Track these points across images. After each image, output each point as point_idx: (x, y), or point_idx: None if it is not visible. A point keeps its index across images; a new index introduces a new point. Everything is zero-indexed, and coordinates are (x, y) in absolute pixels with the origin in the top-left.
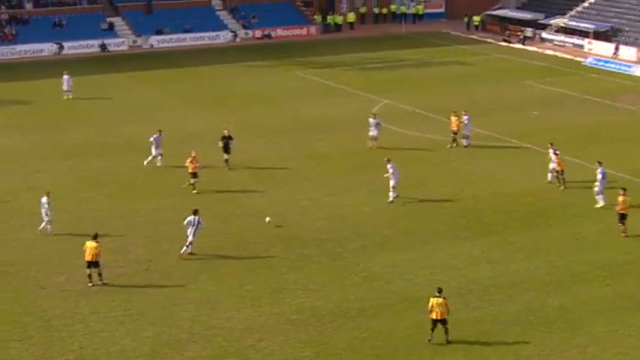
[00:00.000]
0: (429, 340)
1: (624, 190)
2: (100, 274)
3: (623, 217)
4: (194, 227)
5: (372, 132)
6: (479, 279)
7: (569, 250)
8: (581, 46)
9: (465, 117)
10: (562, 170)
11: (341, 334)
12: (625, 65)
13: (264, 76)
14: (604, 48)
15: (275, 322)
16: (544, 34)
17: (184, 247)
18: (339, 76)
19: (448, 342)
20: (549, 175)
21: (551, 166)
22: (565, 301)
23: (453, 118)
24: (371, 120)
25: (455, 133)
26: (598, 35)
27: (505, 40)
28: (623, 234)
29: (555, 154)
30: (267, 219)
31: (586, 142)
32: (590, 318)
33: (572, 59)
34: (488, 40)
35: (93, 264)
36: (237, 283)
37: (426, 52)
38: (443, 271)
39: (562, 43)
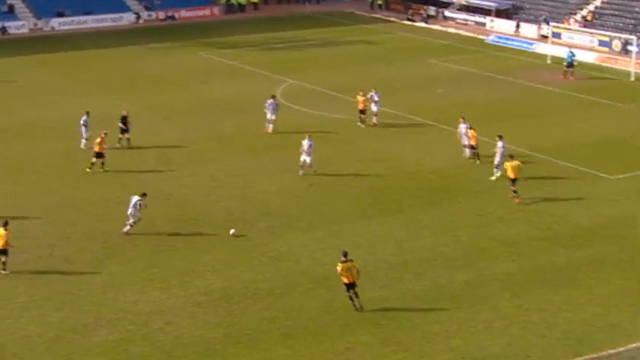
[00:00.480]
0: (356, 310)
1: (512, 157)
2: (4, 263)
3: (514, 182)
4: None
5: (269, 115)
6: (386, 257)
7: (475, 227)
8: (484, 24)
9: (375, 95)
10: (476, 144)
11: (250, 314)
12: (526, 42)
13: (169, 57)
14: (506, 25)
15: (183, 305)
16: (447, 13)
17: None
18: (244, 57)
19: (360, 308)
20: (467, 152)
21: (464, 141)
22: (471, 277)
23: (360, 98)
24: (269, 102)
25: (362, 113)
26: (500, 13)
27: (409, 19)
28: (515, 200)
29: (471, 128)
30: (232, 231)
31: (489, 118)
32: (496, 293)
33: (475, 37)
34: (392, 19)
35: (2, 252)
36: (143, 266)
37: (331, 32)
38: (350, 250)
39: (465, 21)
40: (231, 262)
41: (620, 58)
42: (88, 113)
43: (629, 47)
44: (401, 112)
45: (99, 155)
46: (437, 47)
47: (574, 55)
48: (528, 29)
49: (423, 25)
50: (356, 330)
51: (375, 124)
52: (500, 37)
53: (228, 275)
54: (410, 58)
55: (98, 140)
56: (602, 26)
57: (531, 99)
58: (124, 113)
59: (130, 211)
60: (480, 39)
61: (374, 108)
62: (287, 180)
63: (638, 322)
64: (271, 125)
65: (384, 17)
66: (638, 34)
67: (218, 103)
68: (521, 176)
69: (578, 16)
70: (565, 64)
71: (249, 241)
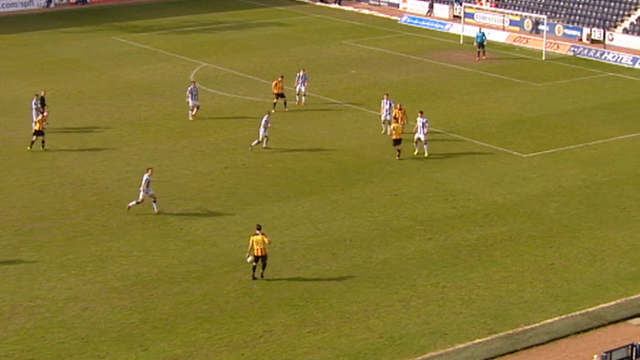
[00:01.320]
0: (254, 277)
1: (396, 119)
2: None
3: (397, 143)
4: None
5: (191, 102)
6: (302, 238)
7: (391, 206)
8: (397, 5)
9: (303, 75)
10: (403, 123)
11: (167, 299)
12: (439, 23)
13: (82, 42)
14: (418, 6)
15: (99, 290)
16: None
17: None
18: (157, 40)
19: (261, 276)
20: (388, 129)
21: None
22: (388, 257)
23: (276, 82)
24: (190, 88)
25: (282, 96)
26: None
27: (322, 1)
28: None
29: (400, 109)
30: (249, 259)
31: (404, 99)
32: (413, 272)
33: (388, 18)
34: (306, 0)
35: None
36: (58, 252)
37: (244, 14)
38: (267, 232)
39: (377, 2)
40: (147, 247)
41: (532, 37)
42: (37, 96)
43: (540, 26)
44: (316, 93)
45: (38, 133)
46: (350, 28)
47: (484, 35)
48: (441, 10)
49: (336, 6)
50: (274, 312)
51: (302, 104)
52: (413, 18)
53: (144, 260)
54: (324, 39)
55: (39, 118)
56: (513, 6)
57: (445, 79)
58: (42, 94)
59: (141, 188)
60: (394, 20)
61: (302, 88)
62: (202, 163)
63: (551, 298)
64: (192, 111)
65: None
66: (548, 13)
67: (132, 87)
68: (434, 153)
69: None
70: (475, 44)
71: (165, 226)
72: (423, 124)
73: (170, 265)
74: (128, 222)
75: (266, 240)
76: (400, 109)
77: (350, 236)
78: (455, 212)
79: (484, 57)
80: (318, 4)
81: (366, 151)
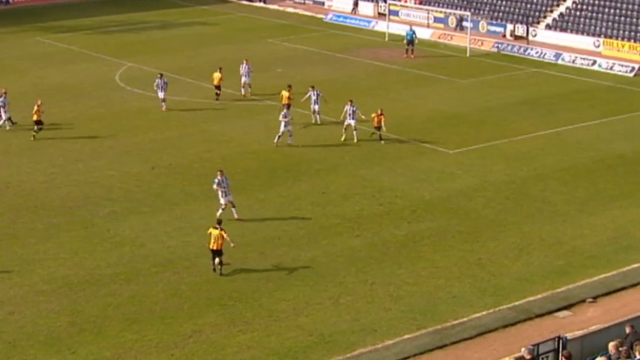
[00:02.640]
0: (214, 270)
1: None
2: None
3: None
4: (224, 188)
5: (161, 94)
6: (230, 237)
7: (318, 204)
8: (322, 3)
9: (246, 66)
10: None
11: (94, 301)
12: (364, 20)
13: (4, 42)
14: (344, 4)
15: (26, 294)
16: None
17: (220, 210)
18: (81, 41)
19: (215, 270)
20: (316, 118)
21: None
22: (317, 254)
23: (216, 75)
24: (157, 81)
25: (218, 88)
26: None
27: None
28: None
29: (381, 114)
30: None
31: (331, 96)
32: (341, 269)
33: (314, 16)
34: None
35: None
36: None
37: (169, 14)
38: (195, 232)
39: (303, 1)
40: (74, 249)
41: (456, 34)
42: (5, 93)
43: (464, 23)
44: (240, 92)
45: (38, 123)
46: (276, 27)
47: (414, 33)
48: (366, 7)
49: (261, 5)
50: (203, 312)
51: (245, 96)
52: (338, 16)
53: (71, 262)
54: (249, 38)
55: (35, 109)
56: (437, 3)
57: (371, 76)
58: None
59: (220, 192)
60: (319, 18)
61: (246, 79)
62: (129, 164)
63: (479, 293)
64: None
65: None
66: (472, 10)
67: (57, 88)
68: (361, 152)
69: None
70: (405, 41)
71: (92, 227)
72: (353, 111)
73: (98, 267)
74: (54, 224)
75: (224, 236)
76: (381, 114)
77: (278, 235)
78: (382, 209)
79: (412, 55)
80: (244, 2)
81: (294, 150)
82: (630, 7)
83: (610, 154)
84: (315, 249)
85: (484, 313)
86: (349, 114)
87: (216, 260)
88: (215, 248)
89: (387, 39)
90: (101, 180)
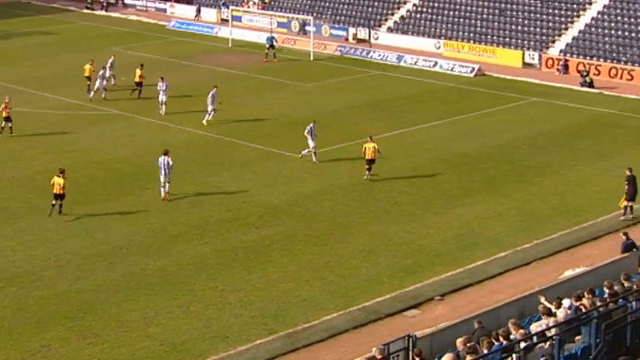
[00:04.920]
0: (51, 209)
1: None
2: None
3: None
4: (164, 168)
5: (162, 97)
6: (78, 249)
7: (166, 213)
8: (164, 10)
9: (163, 84)
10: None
11: None
12: (208, 27)
13: None
14: (186, 11)
15: None
16: (127, 0)
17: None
18: None
19: (60, 213)
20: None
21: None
22: (166, 263)
23: (87, 66)
24: (159, 84)
25: (89, 79)
26: None
27: (88, 8)
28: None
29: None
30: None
31: (174, 104)
32: (191, 277)
33: (157, 23)
34: (71, 8)
35: None
36: None
37: (9, 24)
38: (41, 245)
39: (145, 8)
40: None
41: (299, 38)
42: None
43: (307, 27)
44: (84, 101)
45: (7, 119)
46: (119, 35)
47: (274, 38)
48: (208, 14)
49: (102, 13)
50: (51, 326)
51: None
52: (181, 23)
53: None
54: (93, 47)
55: (3, 105)
56: (280, 8)
57: (216, 83)
58: None
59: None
60: (162, 25)
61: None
62: None
63: (329, 295)
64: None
65: (62, 7)
66: (315, 14)
67: None
68: (206, 158)
69: None
70: (267, 46)
71: None
72: (167, 86)
73: None
74: None
75: (62, 182)
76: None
77: (126, 244)
78: (230, 215)
79: (275, 59)
80: (85, 11)
81: (140, 159)
82: (469, 8)
83: (454, 153)
84: (164, 257)
85: (334, 315)
86: (162, 90)
87: (58, 202)
88: (58, 192)
89: (230, 45)
90: None
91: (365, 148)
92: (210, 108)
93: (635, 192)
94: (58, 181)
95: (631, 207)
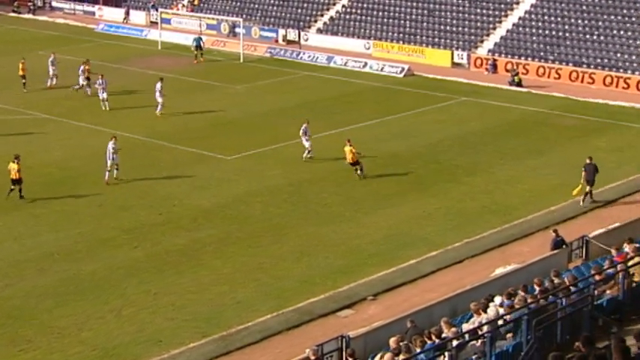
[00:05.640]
0: (9, 193)
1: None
2: None
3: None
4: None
5: (159, 99)
6: (6, 256)
7: (96, 217)
8: (93, 13)
9: (102, 81)
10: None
11: None
12: (137, 30)
13: None
14: (114, 13)
15: None
16: (54, 3)
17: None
18: None
19: (20, 197)
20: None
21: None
22: (97, 268)
23: (20, 65)
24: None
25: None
26: (108, 1)
27: (14, 11)
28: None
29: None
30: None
31: (98, 108)
32: (123, 281)
33: (85, 27)
34: None
35: None
36: None
37: None
38: None
39: (72, 11)
40: None
41: (229, 40)
42: None
43: (237, 29)
44: (14, 106)
45: None
46: (47, 38)
47: (201, 39)
48: (137, 16)
49: (30, 16)
50: None
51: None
52: (110, 26)
53: None
54: (19, 51)
55: None
56: (209, 10)
57: (145, 85)
58: None
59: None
60: (90, 28)
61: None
62: None
63: (263, 297)
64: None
65: None
66: (244, 16)
67: None
68: (133, 163)
69: (185, 1)
70: (193, 47)
71: None
72: (105, 82)
73: None
74: None
75: (16, 167)
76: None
77: (57, 250)
78: (162, 219)
79: (201, 59)
80: (11, 15)
81: (70, 163)
82: (398, 9)
83: (384, 153)
84: (95, 262)
85: (268, 316)
86: (102, 87)
87: (17, 186)
88: (14, 177)
89: (160, 47)
90: None
91: (345, 152)
92: (160, 100)
93: (593, 178)
94: (12, 166)
95: (591, 192)
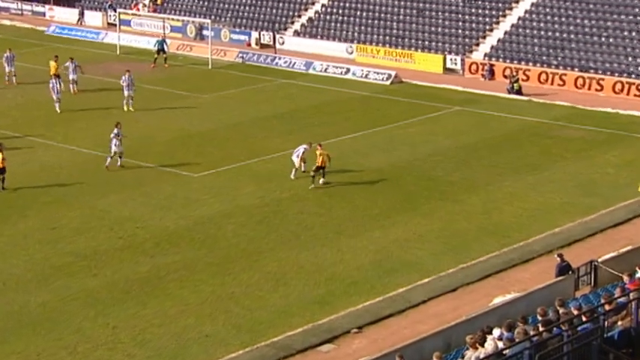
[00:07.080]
0: None
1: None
2: None
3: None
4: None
5: (126, 92)
6: None
7: (49, 242)
8: (43, 14)
9: (71, 64)
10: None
11: None
12: (93, 32)
13: None
14: (67, 14)
15: None
16: (1, 3)
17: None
18: None
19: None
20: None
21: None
22: (49, 299)
23: (52, 63)
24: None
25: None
26: (59, 1)
27: None
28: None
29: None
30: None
31: (54, 123)
32: (78, 313)
33: (34, 29)
34: None
35: None
36: None
37: None
38: None
39: (20, 12)
40: None
41: (196, 44)
42: None
43: (205, 32)
44: None
45: None
46: None
47: (164, 41)
48: (93, 18)
49: None
50: None
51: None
52: (62, 28)
53: None
54: None
55: None
56: (173, 10)
57: (101, 95)
58: None
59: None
60: (40, 30)
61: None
62: None
63: (234, 330)
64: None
65: None
66: (212, 17)
67: None
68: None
69: (146, 0)
70: (155, 50)
71: None
72: (75, 66)
73: None
74: None
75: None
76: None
77: (4, 279)
78: (122, 243)
79: (166, 65)
80: None
81: (18, 181)
82: (384, 9)
83: (369, 169)
84: (46, 293)
85: (240, 352)
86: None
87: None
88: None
89: (118, 52)
90: None
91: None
92: (126, 93)
93: None
94: None
95: None
